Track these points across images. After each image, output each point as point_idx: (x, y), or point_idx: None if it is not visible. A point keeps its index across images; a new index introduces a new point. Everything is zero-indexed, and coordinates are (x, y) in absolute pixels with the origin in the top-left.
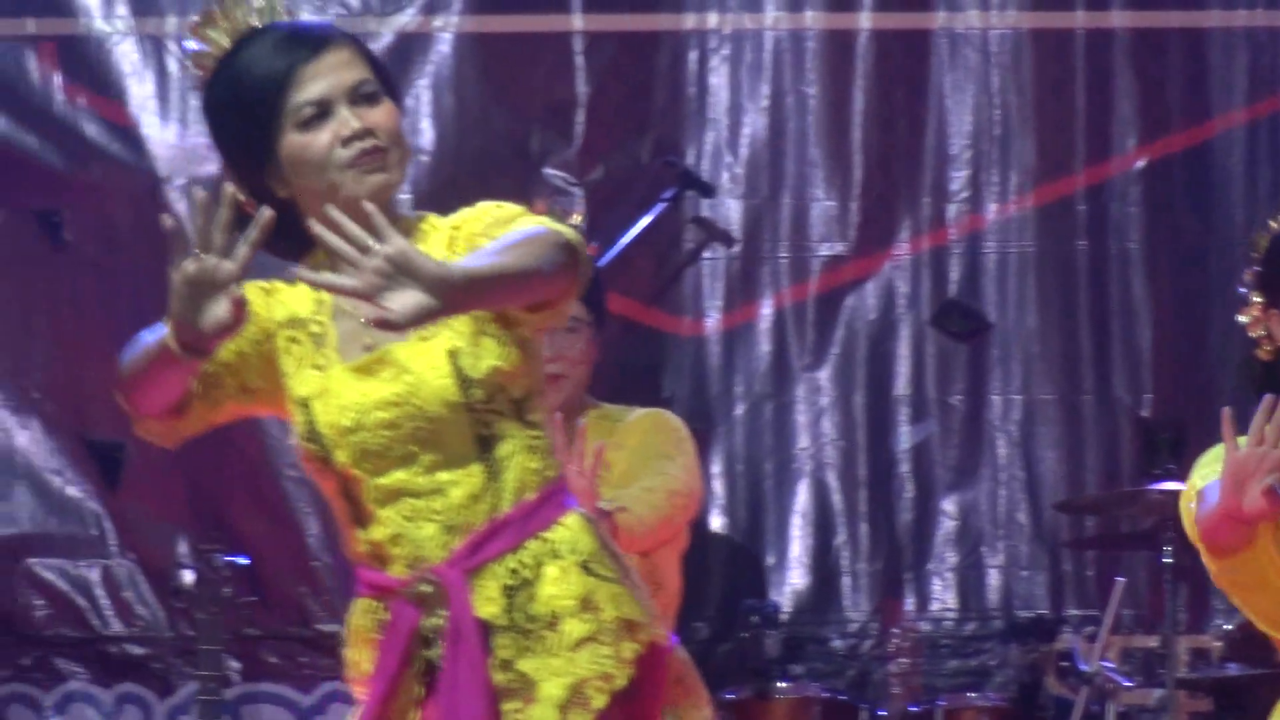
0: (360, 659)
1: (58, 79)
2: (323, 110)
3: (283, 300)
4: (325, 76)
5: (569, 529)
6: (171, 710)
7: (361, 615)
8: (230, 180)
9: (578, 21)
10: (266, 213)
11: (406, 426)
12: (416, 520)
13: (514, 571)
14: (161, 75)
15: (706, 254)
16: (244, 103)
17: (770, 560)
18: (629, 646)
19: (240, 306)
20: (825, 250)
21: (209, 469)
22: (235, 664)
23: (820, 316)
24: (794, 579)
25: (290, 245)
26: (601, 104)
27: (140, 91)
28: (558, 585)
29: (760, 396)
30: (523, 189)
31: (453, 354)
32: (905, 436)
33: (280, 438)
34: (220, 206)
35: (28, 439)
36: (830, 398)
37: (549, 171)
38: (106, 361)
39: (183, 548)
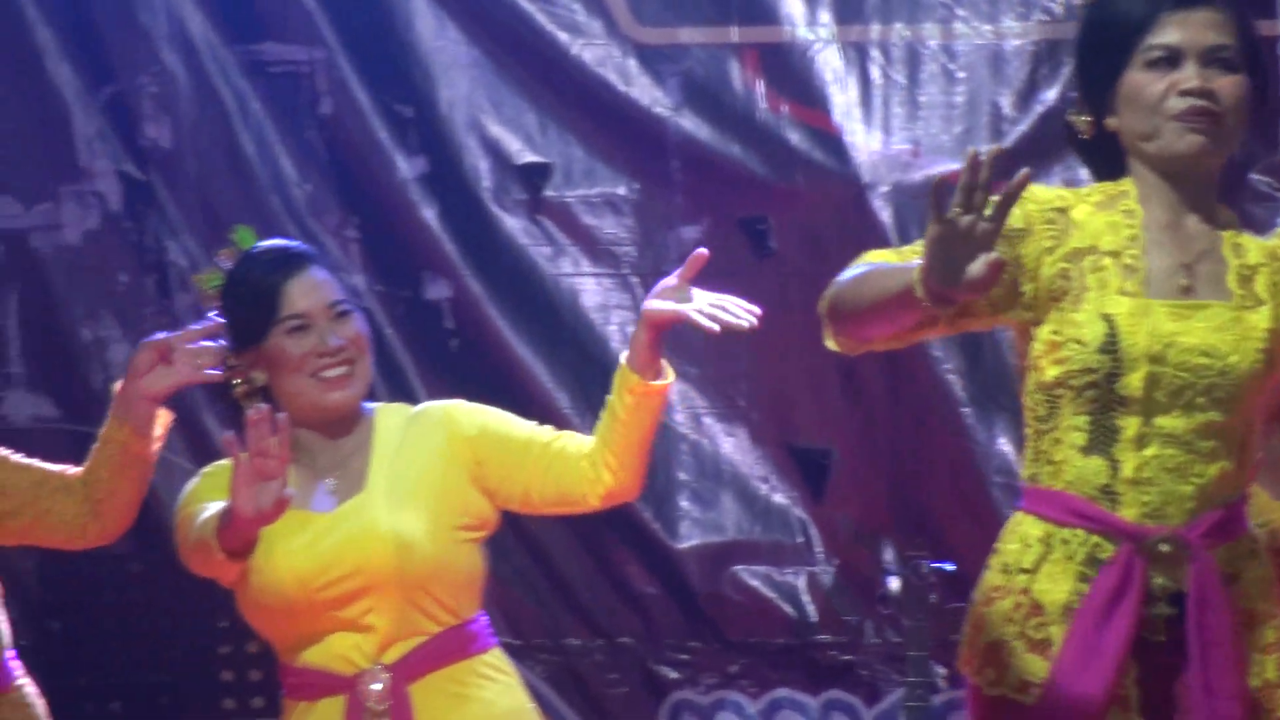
0: (1053, 589)
1: (760, 87)
2: (1172, 57)
3: (1080, 225)
4: (1188, 28)
5: (1255, 540)
6: (879, 716)
7: (1066, 542)
8: (1080, 108)
9: None
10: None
11: (1208, 378)
12: (1179, 474)
13: (1229, 562)
14: (865, 82)
15: None
16: (1107, 33)
17: None
18: None
19: (997, 269)
20: None
21: (913, 476)
22: (942, 670)
23: None
24: None
25: (1106, 170)
26: None
27: (843, 99)
28: (1256, 586)
29: None
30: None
31: (1273, 333)
32: None
33: (986, 444)
34: (985, 168)
35: (733, 446)
36: None
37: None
38: (812, 370)
39: (888, 554)
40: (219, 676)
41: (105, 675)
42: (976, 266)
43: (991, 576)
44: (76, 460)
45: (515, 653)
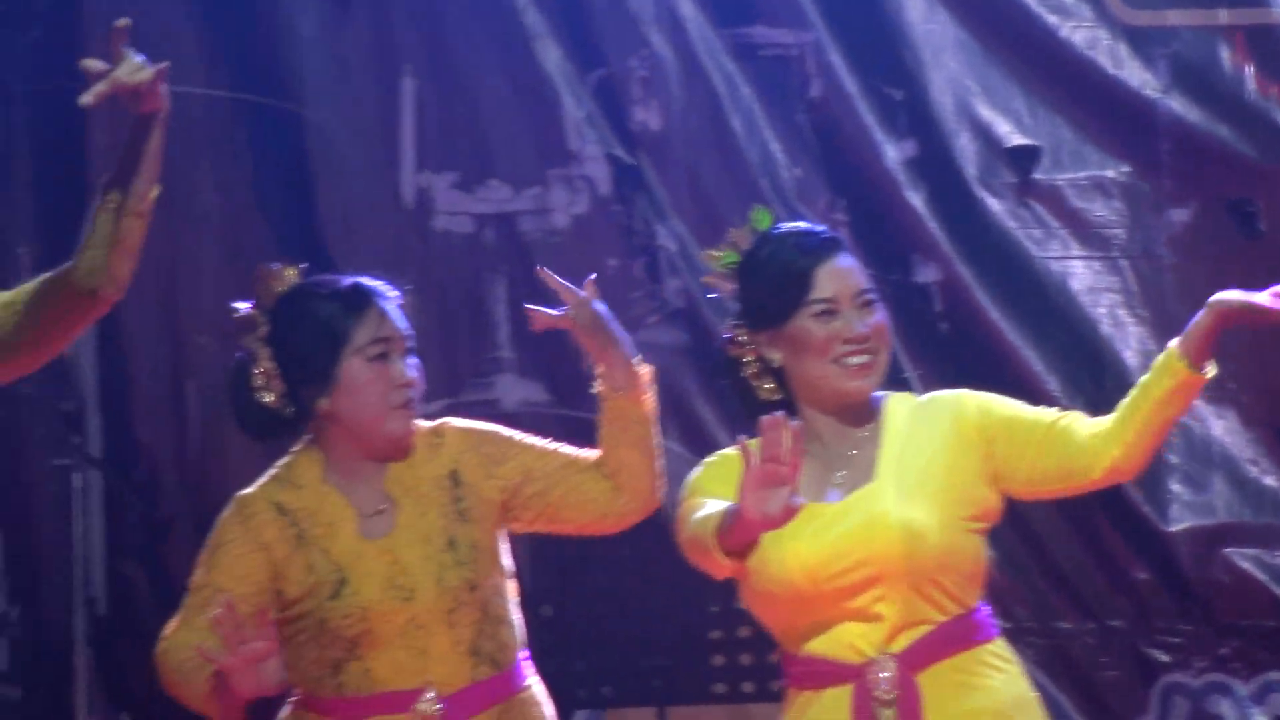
0: None
1: (1250, 69)
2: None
3: None
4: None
5: None
6: None
7: None
8: None
9: None
10: None
11: None
12: None
13: None
14: None
15: None
16: None
17: None
18: None
19: None
20: None
21: None
22: None
23: None
24: None
25: None
26: None
27: None
28: None
29: None
30: None
31: None
32: None
33: None
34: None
35: (1224, 429)
36: None
37: None
38: None
39: None
40: (710, 660)
41: (597, 660)
42: None
43: None
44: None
45: (1006, 635)
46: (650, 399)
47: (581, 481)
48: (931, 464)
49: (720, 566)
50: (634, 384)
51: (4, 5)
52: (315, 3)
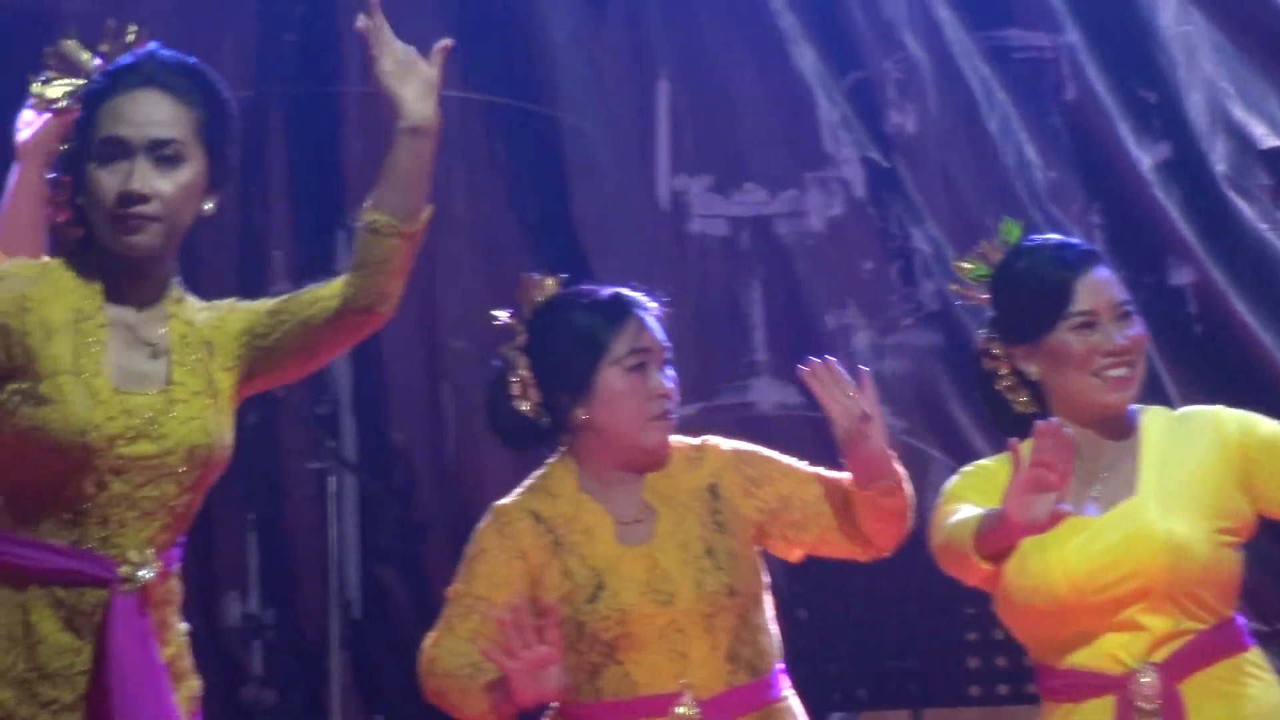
0: None
1: None
2: None
3: None
4: None
5: None
6: None
7: None
8: None
9: None
10: None
11: None
12: None
13: None
14: None
15: None
16: None
17: None
18: None
19: None
20: None
21: None
22: None
23: None
24: None
25: None
26: None
27: None
28: None
29: None
30: None
31: None
32: None
33: None
34: None
35: None
36: None
37: None
38: None
39: None
40: (965, 663)
41: (852, 662)
42: None
43: None
44: (819, 448)
45: (1260, 641)
46: (908, 492)
47: (840, 521)
48: (1192, 478)
49: (974, 571)
50: (893, 488)
51: (261, 10)
52: (570, 6)
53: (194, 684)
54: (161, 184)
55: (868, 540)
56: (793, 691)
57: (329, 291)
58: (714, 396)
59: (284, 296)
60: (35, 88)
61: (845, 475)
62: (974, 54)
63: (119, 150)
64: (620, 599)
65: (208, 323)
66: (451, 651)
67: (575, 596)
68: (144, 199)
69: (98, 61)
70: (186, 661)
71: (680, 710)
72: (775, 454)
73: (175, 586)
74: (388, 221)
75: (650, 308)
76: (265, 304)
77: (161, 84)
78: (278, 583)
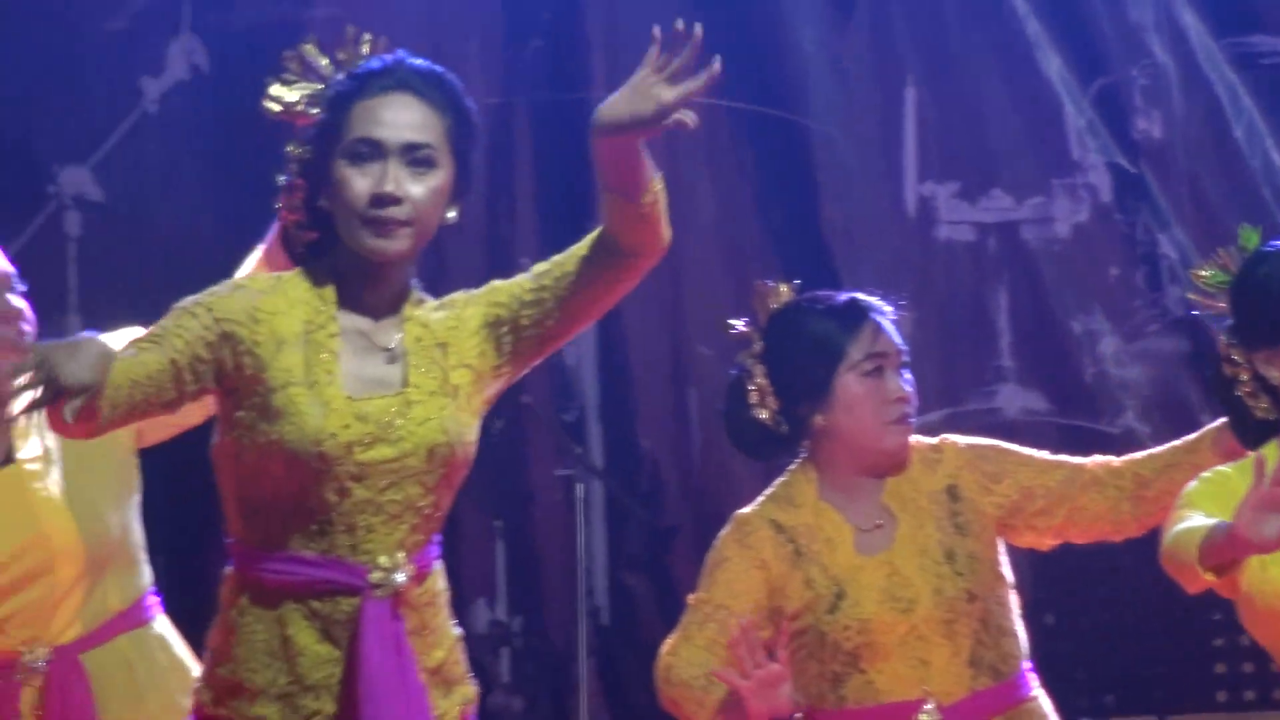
0: None
1: None
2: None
3: None
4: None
5: None
6: None
7: None
8: None
9: None
10: None
11: None
12: None
13: None
14: None
15: None
16: None
17: None
18: None
19: None
20: None
21: None
22: None
23: None
24: None
25: None
26: None
27: None
28: None
29: None
30: None
31: None
32: None
33: None
34: None
35: None
36: None
37: None
38: None
39: None
40: (1212, 669)
41: (1099, 668)
42: None
43: None
44: (1065, 454)
45: None
46: None
47: (1087, 501)
48: None
49: (1196, 581)
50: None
51: (507, 17)
52: (817, 14)
53: (468, 690)
54: (413, 188)
55: (1136, 507)
56: (1042, 690)
57: (575, 259)
58: (960, 402)
59: (530, 277)
60: (273, 90)
61: (1093, 461)
62: (1220, 60)
63: (372, 151)
64: (861, 609)
65: (443, 323)
66: (688, 661)
67: (817, 606)
68: (396, 201)
69: (335, 68)
70: (460, 667)
71: (922, 718)
72: (1014, 446)
73: (437, 587)
74: (613, 198)
75: (886, 311)
76: (505, 291)
77: (414, 89)
78: (525, 590)
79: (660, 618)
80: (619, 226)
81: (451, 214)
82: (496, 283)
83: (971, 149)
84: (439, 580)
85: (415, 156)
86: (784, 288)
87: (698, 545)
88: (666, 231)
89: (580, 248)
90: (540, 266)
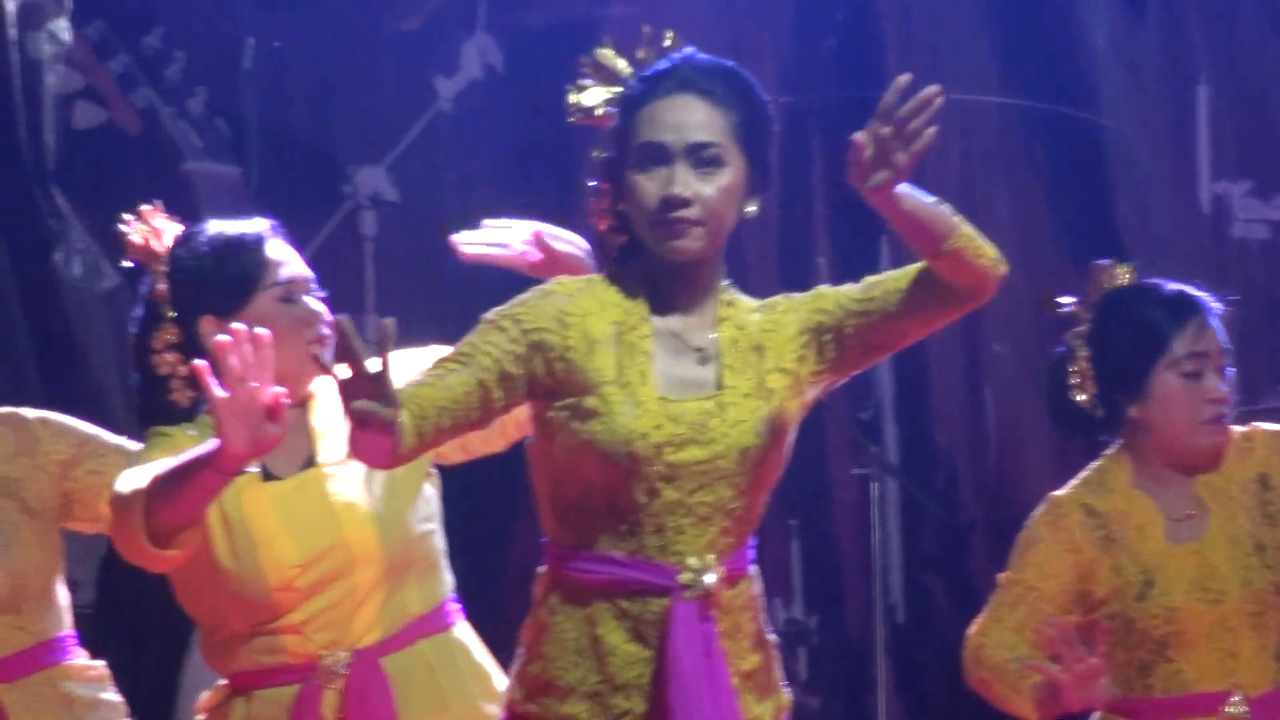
0: None
1: None
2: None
3: None
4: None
5: None
6: None
7: None
8: None
9: None
10: None
11: None
12: None
13: None
14: None
15: None
16: None
17: None
18: None
19: None
20: None
21: None
22: None
23: None
24: None
25: None
26: None
27: None
28: None
29: None
30: None
31: None
32: None
33: None
34: None
35: None
36: None
37: None
38: None
39: None
40: None
41: None
42: None
43: None
44: None
45: None
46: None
47: None
48: None
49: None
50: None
51: (800, 16)
52: (1109, 12)
53: (782, 698)
54: (702, 187)
55: None
56: None
57: (909, 278)
58: (1256, 400)
59: (860, 288)
60: (571, 96)
61: None
62: None
63: (658, 156)
64: (1170, 598)
65: (760, 325)
66: (999, 643)
67: (1125, 593)
68: (685, 203)
69: (633, 69)
70: (775, 674)
71: (1229, 710)
72: None
73: (751, 590)
74: (919, 251)
75: (1214, 308)
76: (831, 299)
77: (697, 88)
78: (821, 588)
79: (956, 616)
80: (940, 272)
81: (751, 208)
82: (823, 289)
83: (1266, 147)
84: (754, 584)
85: (702, 156)
86: (1122, 268)
87: (993, 542)
88: (992, 268)
89: (916, 267)
90: (872, 278)
